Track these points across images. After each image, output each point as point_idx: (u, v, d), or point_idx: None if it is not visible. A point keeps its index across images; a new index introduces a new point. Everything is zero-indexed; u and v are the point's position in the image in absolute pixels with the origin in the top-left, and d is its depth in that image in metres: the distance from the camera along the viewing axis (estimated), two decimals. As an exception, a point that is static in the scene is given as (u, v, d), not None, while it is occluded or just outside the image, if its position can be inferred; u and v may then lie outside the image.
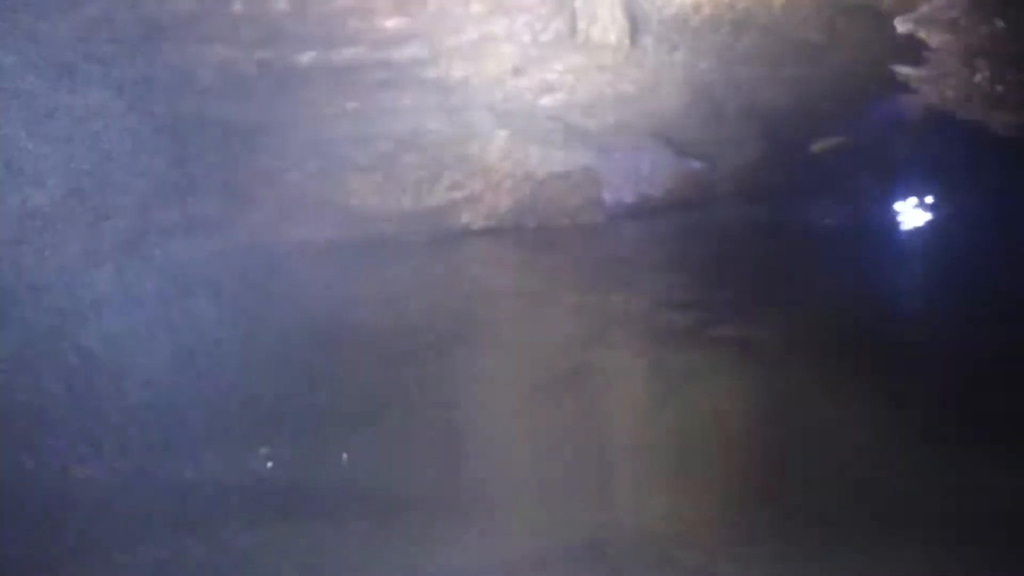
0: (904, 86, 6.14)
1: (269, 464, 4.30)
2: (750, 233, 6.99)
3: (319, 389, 5.05)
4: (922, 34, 5.50)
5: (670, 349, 5.47)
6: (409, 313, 6.63)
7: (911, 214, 6.93)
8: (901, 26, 5.68)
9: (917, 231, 6.97)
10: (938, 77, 5.66)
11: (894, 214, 6.92)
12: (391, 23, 6.56)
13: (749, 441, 4.35)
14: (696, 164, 7.50)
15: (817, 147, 6.15)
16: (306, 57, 6.69)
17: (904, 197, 6.95)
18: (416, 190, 7.36)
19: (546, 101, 7.34)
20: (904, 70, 5.91)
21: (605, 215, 7.62)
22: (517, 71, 7.05)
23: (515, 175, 7.47)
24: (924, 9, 5.56)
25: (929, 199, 6.97)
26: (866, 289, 5.97)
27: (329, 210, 7.30)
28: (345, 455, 4.32)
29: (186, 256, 6.57)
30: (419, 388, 5.18)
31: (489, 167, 7.42)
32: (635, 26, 6.84)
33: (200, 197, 7.05)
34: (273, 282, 6.99)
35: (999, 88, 5.45)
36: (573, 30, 6.77)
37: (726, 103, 7.11)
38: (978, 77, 5.47)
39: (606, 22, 6.74)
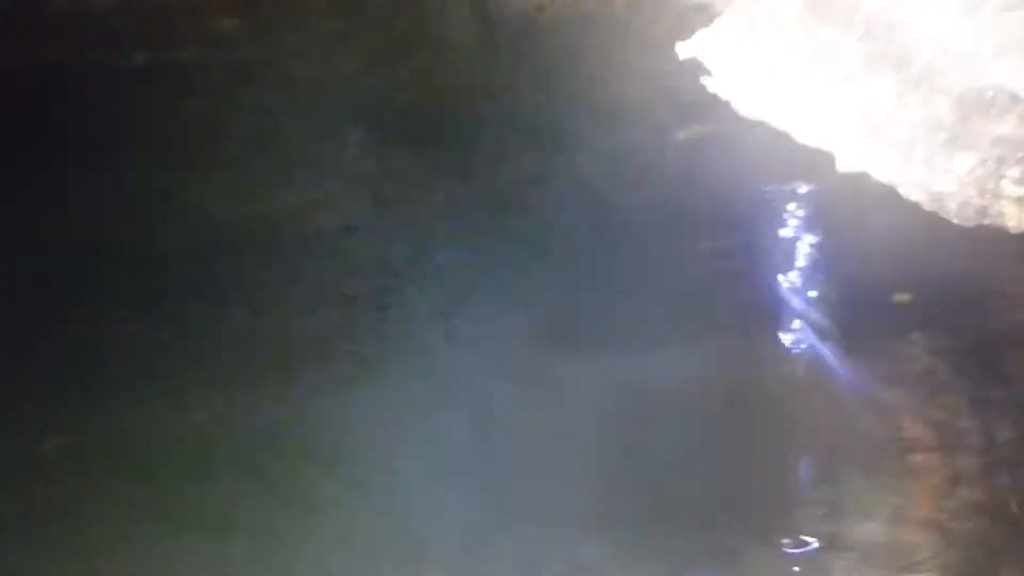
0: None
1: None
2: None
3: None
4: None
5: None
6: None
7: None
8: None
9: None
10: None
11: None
12: (228, 23, 6.26)
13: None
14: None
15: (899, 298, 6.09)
16: (140, 57, 6.35)
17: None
18: (266, 192, 7.11)
19: (402, 99, 7.12)
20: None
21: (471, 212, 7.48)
22: (368, 69, 6.81)
23: (374, 174, 7.27)
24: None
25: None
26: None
27: (171, 214, 7.01)
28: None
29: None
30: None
31: (344, 167, 7.20)
32: (485, 26, 6.66)
33: (36, 201, 6.72)
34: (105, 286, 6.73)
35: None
36: (422, 29, 6.56)
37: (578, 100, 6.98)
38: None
39: (455, 21, 6.56)
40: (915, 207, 5.25)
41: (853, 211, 5.77)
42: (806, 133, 5.55)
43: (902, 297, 5.68)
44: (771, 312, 6.11)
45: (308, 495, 5.15)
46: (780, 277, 6.23)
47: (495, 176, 7.31)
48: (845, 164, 5.45)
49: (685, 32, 5.94)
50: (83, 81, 6.53)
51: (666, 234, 6.68)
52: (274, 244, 7.31)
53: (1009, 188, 4.63)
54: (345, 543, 5.25)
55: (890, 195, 5.33)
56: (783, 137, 5.80)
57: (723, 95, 6.04)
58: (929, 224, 5.22)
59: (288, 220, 7.32)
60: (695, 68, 5.89)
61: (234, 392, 6.04)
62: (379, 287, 6.81)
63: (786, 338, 5.91)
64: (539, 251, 6.87)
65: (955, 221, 5.00)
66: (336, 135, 7.09)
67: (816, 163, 5.61)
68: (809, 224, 6.10)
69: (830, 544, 4.77)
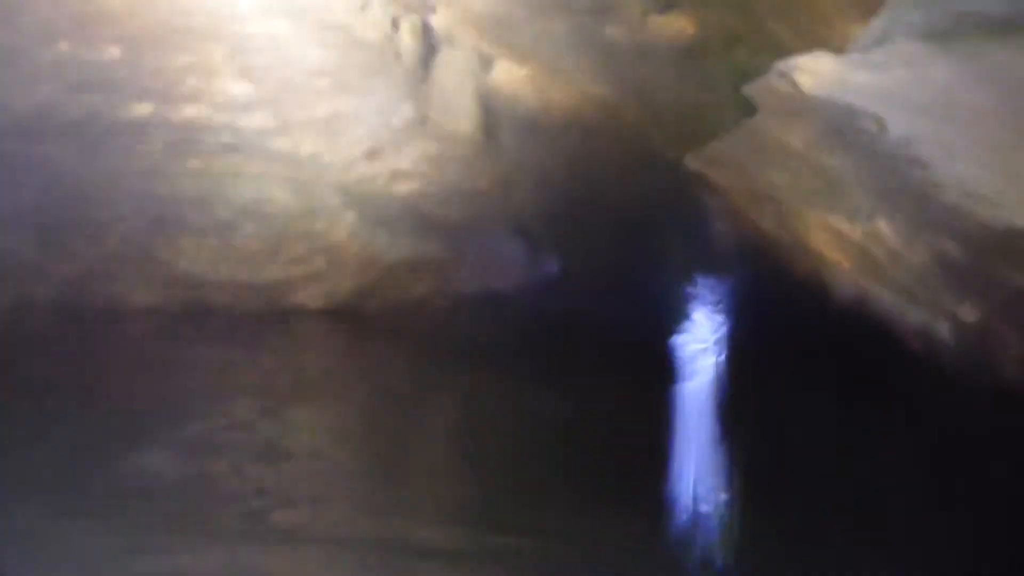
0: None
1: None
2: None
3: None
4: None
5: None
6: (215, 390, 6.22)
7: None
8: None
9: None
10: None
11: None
12: (235, 87, 6.25)
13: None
14: (549, 261, 7.32)
15: None
16: (142, 108, 6.32)
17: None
18: (253, 261, 7.00)
19: (400, 188, 7.08)
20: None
21: (450, 305, 7.37)
22: (371, 154, 6.77)
23: (360, 257, 7.18)
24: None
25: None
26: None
27: (155, 271, 6.88)
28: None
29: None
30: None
31: (333, 246, 7.10)
32: (489, 120, 6.66)
33: (10, 240, 6.61)
34: (66, 343, 6.53)
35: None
36: (424, 117, 6.54)
37: (578, 203, 6.95)
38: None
39: (459, 112, 6.54)
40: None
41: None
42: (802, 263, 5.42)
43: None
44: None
45: None
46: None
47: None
48: (840, 301, 5.28)
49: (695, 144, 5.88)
50: (71, 124, 6.47)
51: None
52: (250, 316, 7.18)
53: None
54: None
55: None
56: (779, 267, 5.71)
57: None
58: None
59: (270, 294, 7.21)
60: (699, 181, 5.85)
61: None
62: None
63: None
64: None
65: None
66: (328, 214, 7.04)
67: (809, 296, 5.49)
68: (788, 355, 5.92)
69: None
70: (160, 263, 6.91)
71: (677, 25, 6.36)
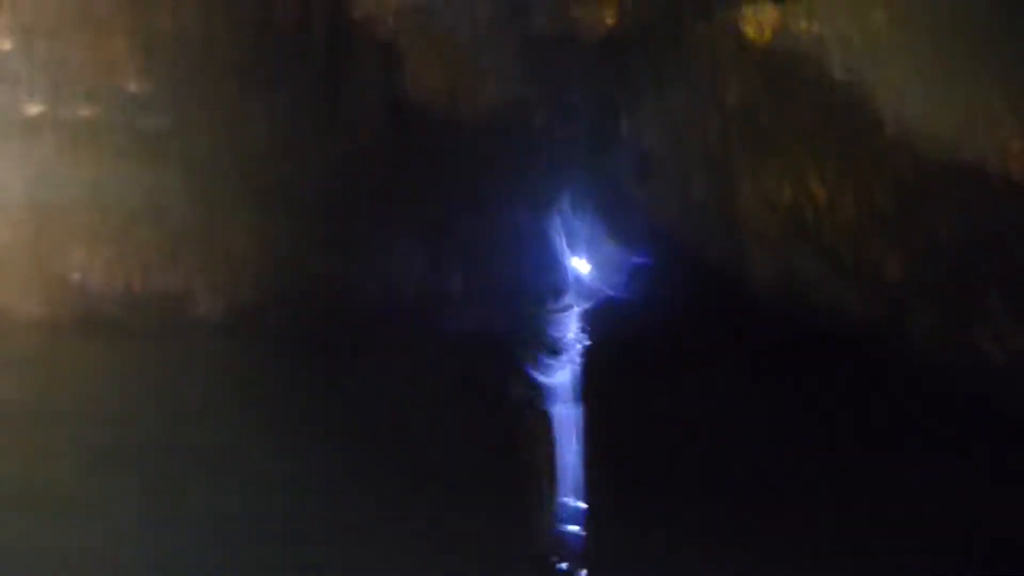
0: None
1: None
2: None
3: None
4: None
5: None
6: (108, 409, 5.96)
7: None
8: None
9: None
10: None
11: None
12: (135, 86, 6.04)
13: None
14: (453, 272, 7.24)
15: None
16: (33, 108, 6.05)
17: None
18: (148, 270, 6.72)
19: (304, 191, 6.93)
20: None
21: (353, 317, 7.21)
22: (274, 156, 6.63)
23: (263, 267, 6.97)
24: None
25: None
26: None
27: (43, 283, 6.54)
28: None
29: None
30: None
31: (234, 255, 6.89)
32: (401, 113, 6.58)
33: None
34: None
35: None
36: (335, 113, 6.43)
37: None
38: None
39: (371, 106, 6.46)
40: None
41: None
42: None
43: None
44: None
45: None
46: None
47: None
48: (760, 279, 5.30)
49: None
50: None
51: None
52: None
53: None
54: None
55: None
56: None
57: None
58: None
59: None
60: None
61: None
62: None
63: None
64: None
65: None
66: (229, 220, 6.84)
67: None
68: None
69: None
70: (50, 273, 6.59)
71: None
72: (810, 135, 4.38)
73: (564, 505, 4.49)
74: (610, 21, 5.29)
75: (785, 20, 4.21)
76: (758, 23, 4.27)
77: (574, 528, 4.28)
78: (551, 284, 6.58)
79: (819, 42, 4.17)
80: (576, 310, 6.38)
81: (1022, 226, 3.86)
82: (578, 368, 5.71)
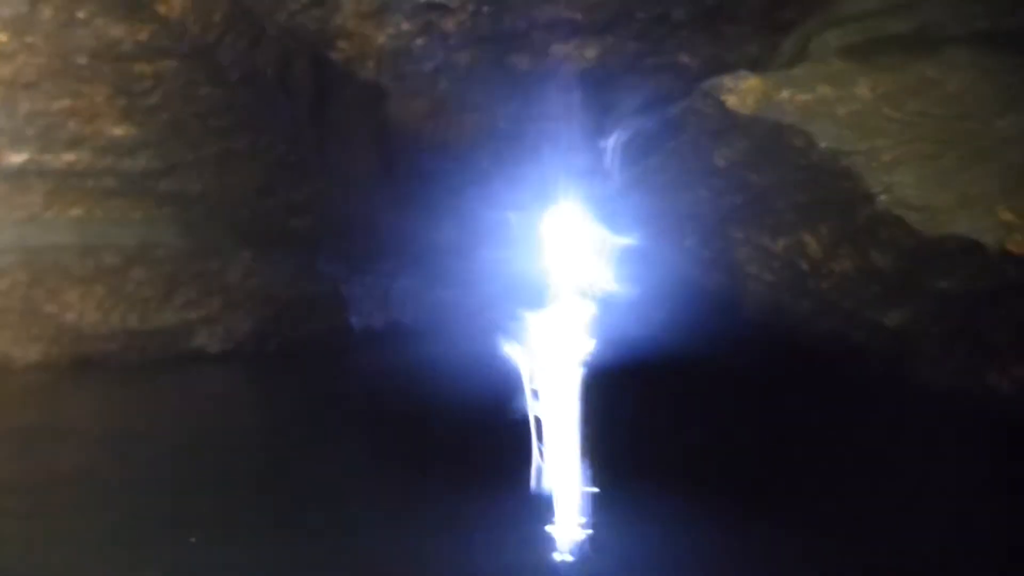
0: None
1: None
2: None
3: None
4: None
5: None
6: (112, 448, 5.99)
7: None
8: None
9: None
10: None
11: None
12: (118, 130, 6.04)
13: None
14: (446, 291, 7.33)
15: None
16: (19, 157, 6.05)
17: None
18: (144, 307, 6.77)
19: (294, 223, 6.96)
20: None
21: (351, 341, 7.29)
22: (263, 191, 6.64)
23: (256, 296, 7.03)
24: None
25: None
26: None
27: (39, 325, 6.59)
28: None
29: None
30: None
31: (229, 286, 6.93)
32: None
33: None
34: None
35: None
36: (320, 149, 6.45)
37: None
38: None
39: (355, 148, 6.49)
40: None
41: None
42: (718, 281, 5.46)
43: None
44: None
45: None
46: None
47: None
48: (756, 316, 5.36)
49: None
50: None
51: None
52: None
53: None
54: None
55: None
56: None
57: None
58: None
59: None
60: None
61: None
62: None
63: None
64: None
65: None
66: (222, 254, 6.87)
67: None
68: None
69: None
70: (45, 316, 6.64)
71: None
72: (802, 197, 4.42)
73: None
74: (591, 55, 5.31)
75: (767, 90, 4.21)
76: (738, 91, 4.27)
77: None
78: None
79: (804, 111, 4.17)
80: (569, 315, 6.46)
81: (1020, 286, 3.94)
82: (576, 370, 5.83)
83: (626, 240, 6.44)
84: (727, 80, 4.30)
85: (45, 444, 5.59)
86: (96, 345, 6.73)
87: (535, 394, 6.14)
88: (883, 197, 4.06)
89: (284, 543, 4.19)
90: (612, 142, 5.38)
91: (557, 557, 4.16)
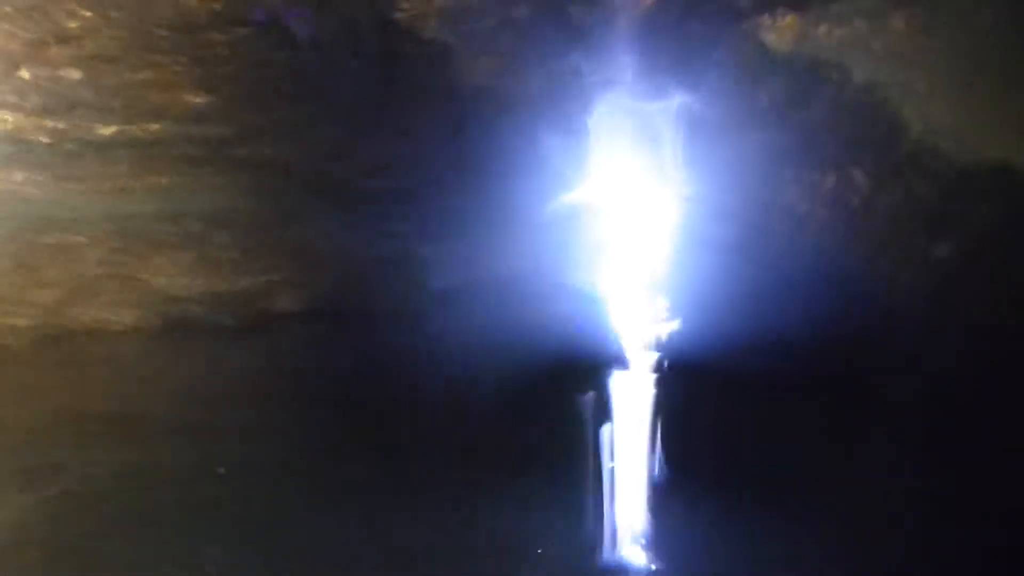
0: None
1: None
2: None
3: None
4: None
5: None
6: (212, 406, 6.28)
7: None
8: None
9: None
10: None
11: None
12: (197, 99, 6.26)
13: None
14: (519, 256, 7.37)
15: None
16: (108, 130, 6.33)
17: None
18: (229, 271, 7.03)
19: (369, 185, 7.10)
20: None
21: (428, 301, 7.42)
22: (335, 154, 6.80)
23: (335, 258, 7.21)
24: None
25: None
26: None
27: (132, 291, 6.91)
28: None
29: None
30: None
31: (308, 248, 7.13)
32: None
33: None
34: (61, 370, 6.57)
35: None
36: (390, 110, 6.55)
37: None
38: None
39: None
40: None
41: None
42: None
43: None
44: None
45: None
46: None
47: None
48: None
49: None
50: (35, 149, 6.45)
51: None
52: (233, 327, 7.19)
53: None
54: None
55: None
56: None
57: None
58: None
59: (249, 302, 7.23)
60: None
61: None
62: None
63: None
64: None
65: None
66: (300, 217, 7.06)
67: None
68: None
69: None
70: (137, 282, 6.94)
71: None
72: (845, 132, 4.35)
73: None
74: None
75: (804, 26, 4.16)
76: (778, 30, 4.23)
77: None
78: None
79: (840, 45, 4.12)
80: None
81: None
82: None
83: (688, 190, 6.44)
84: (766, 18, 4.27)
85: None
86: (185, 308, 7.02)
87: (609, 368, 6.17)
88: (918, 127, 4.02)
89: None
90: (670, 91, 5.38)
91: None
